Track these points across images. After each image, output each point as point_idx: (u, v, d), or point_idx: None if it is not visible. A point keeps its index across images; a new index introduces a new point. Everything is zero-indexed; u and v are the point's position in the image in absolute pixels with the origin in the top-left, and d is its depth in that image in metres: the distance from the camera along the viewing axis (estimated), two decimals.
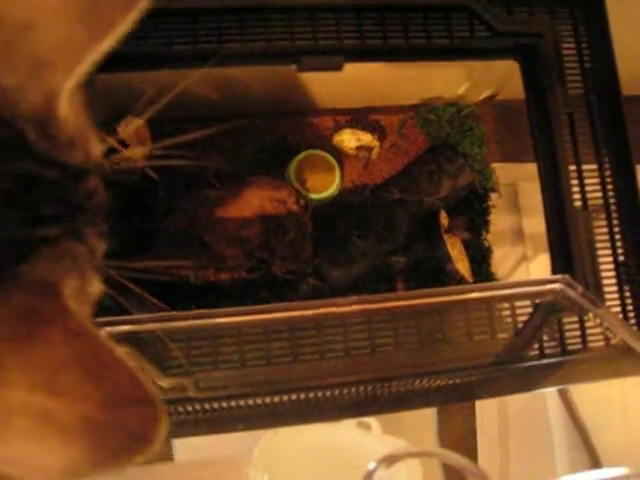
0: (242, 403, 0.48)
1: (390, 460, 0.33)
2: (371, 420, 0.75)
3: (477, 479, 0.35)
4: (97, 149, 0.29)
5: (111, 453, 0.24)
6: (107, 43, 0.25)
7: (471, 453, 0.85)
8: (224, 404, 0.47)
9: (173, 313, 0.41)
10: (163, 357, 0.46)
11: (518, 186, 0.99)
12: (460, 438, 0.87)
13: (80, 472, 0.24)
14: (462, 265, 0.79)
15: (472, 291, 0.50)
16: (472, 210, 0.85)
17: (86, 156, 0.27)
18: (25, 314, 0.24)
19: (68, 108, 0.26)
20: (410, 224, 0.79)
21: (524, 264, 0.97)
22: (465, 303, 0.51)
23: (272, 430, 0.70)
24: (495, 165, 0.94)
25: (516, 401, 0.90)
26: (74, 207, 0.27)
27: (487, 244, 0.87)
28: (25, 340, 0.24)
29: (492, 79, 0.83)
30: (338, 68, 0.54)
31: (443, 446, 0.85)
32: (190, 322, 0.41)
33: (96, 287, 0.29)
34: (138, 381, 0.25)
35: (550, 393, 0.90)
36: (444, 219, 0.79)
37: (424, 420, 0.87)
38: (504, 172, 0.94)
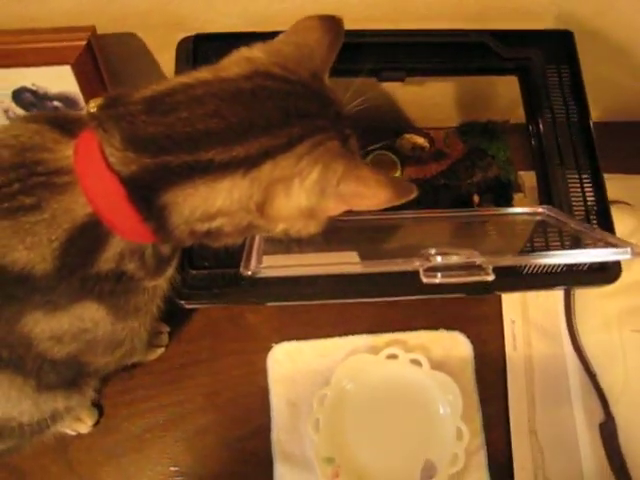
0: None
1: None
2: (421, 358, 1.01)
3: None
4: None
5: (400, 196, 0.56)
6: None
7: (502, 398, 1.04)
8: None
9: None
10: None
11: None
12: (493, 381, 1.05)
13: (388, 203, 0.56)
14: None
15: (492, 211, 0.81)
16: (499, 195, 1.14)
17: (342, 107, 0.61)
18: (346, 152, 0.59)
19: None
20: (451, 202, 1.09)
21: None
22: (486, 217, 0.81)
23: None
24: (521, 172, 1.22)
25: (541, 357, 1.09)
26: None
27: None
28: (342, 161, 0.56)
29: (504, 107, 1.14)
30: (402, 80, 0.88)
31: (478, 384, 1.05)
32: None
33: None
34: (395, 178, 0.62)
35: (569, 353, 1.10)
36: (476, 198, 1.09)
37: (464, 362, 1.09)
38: (529, 178, 1.20)
